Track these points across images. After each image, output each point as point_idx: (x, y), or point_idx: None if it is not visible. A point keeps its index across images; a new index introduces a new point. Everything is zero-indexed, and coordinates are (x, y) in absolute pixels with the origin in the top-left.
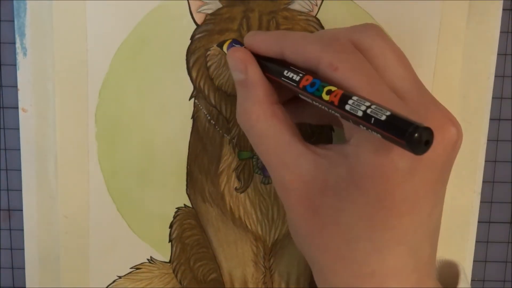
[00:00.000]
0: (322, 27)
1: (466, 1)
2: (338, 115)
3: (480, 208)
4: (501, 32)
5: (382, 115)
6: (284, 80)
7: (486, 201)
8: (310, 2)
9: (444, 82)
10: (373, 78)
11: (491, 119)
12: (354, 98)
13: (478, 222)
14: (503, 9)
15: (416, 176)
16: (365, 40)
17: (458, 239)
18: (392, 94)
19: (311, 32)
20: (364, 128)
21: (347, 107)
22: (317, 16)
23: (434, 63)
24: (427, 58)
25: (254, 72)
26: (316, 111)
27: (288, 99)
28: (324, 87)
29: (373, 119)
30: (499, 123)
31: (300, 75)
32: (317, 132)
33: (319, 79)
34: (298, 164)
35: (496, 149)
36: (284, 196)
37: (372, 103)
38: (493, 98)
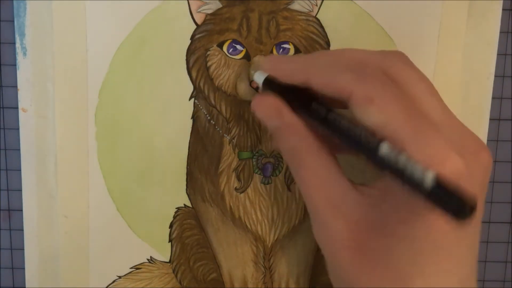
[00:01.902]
0: (322, 27)
1: (466, 1)
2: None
3: None
4: (501, 32)
5: (427, 180)
6: (328, 120)
7: (486, 201)
8: (310, 2)
9: (444, 82)
10: (412, 110)
11: (491, 119)
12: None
13: None
14: (503, 9)
15: None
16: (396, 69)
17: None
18: (430, 126)
19: (312, 32)
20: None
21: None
22: (317, 16)
23: (434, 63)
24: (427, 58)
25: (290, 114)
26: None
27: None
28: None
29: (417, 184)
30: (499, 123)
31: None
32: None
33: None
34: (344, 203)
35: (496, 149)
36: (328, 242)
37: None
38: (493, 98)
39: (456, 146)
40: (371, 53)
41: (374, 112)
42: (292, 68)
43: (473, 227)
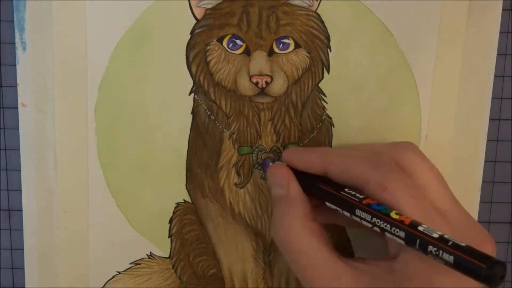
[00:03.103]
0: (322, 22)
1: (466, 1)
2: (401, 233)
3: (480, 208)
4: (501, 32)
5: (450, 257)
6: (343, 195)
7: (486, 201)
8: None
9: (444, 80)
10: (421, 199)
11: (491, 119)
12: (425, 225)
13: (478, 221)
14: (503, 9)
15: None
16: (406, 159)
17: None
18: (437, 215)
19: (312, 26)
20: (435, 249)
21: (421, 228)
22: (317, 11)
23: (434, 59)
24: (427, 53)
25: (296, 189)
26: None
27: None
28: (391, 210)
29: (451, 242)
30: (499, 123)
31: (362, 196)
32: (317, 128)
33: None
34: (339, 281)
35: (496, 149)
36: None
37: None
38: (493, 98)
39: (462, 235)
40: (384, 145)
41: (387, 198)
42: (311, 159)
43: None
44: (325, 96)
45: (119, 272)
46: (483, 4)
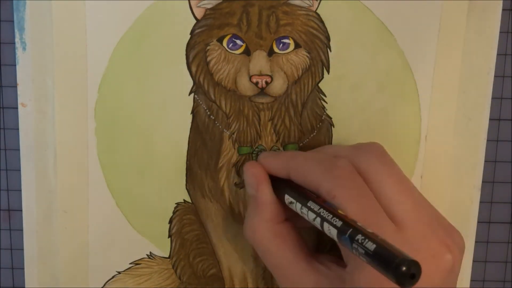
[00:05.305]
0: (322, 22)
1: (466, 1)
2: (338, 222)
3: (480, 208)
4: (501, 32)
5: (372, 246)
6: (303, 188)
7: (486, 201)
8: None
9: (444, 80)
10: (369, 207)
11: (491, 119)
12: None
13: (478, 222)
14: (503, 9)
15: None
16: (364, 163)
17: None
18: (387, 224)
19: (312, 26)
20: (362, 237)
21: (359, 224)
22: (317, 11)
23: (434, 62)
24: (427, 53)
25: (264, 191)
26: None
27: None
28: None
29: (380, 237)
30: (499, 123)
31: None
32: (317, 128)
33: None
34: (301, 281)
35: (496, 149)
36: None
37: (371, 232)
38: (493, 98)
39: (414, 246)
40: (346, 148)
41: (336, 206)
42: (276, 164)
43: None
44: (325, 96)
45: (119, 272)
46: (483, 4)
